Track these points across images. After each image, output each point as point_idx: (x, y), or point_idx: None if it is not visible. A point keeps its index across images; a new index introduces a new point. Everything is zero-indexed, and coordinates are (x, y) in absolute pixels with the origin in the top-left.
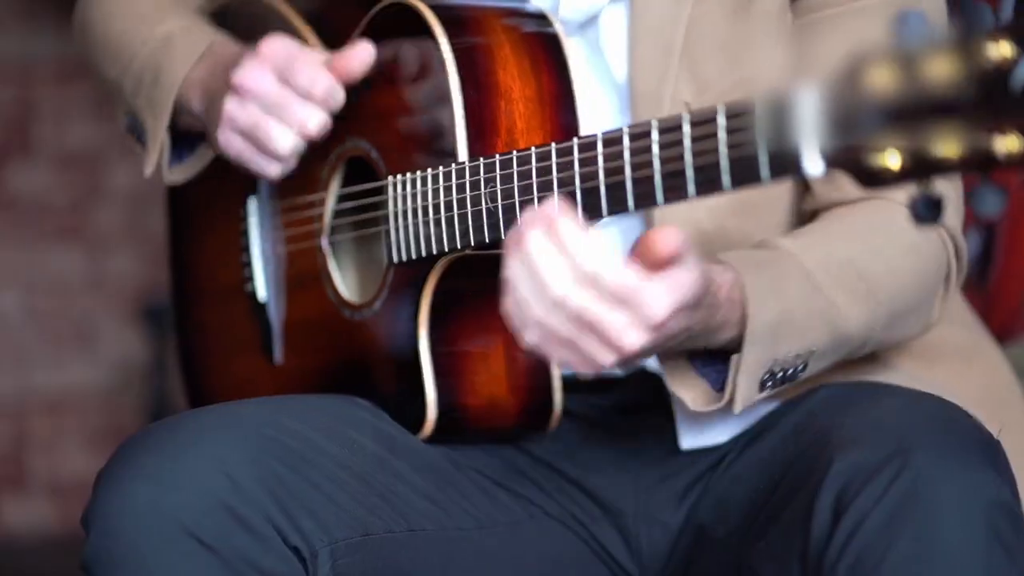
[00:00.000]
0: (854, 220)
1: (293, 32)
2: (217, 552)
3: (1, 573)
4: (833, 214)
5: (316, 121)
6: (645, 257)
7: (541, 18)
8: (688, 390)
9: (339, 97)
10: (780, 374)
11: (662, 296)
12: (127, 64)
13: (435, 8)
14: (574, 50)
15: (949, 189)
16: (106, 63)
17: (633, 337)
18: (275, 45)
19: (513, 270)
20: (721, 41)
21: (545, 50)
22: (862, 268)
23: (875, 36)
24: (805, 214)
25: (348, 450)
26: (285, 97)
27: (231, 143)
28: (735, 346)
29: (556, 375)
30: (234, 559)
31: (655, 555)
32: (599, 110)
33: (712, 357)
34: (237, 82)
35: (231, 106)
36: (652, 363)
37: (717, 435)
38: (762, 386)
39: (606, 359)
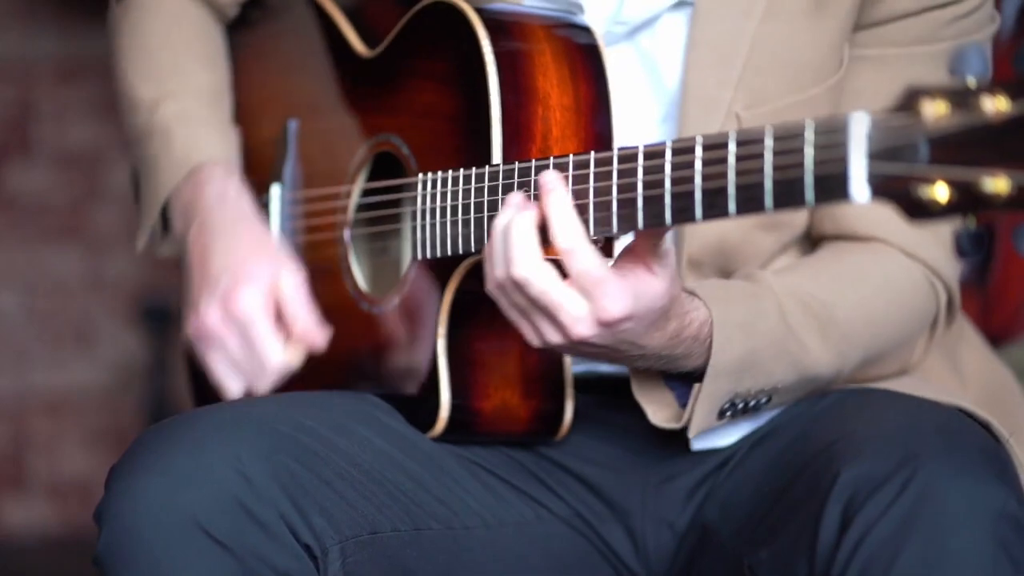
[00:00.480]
0: (844, 266)
1: (329, 23)
2: (230, 549)
3: (0, 573)
4: (827, 254)
5: (265, 388)
6: (632, 253)
7: (583, 29)
8: (650, 402)
9: (296, 364)
10: (741, 405)
11: (622, 295)
12: (137, 133)
13: (478, 11)
14: (622, 54)
15: (951, 237)
16: (122, 109)
17: (582, 328)
18: (244, 300)
19: (496, 231)
20: (784, 60)
21: (584, 59)
22: (842, 315)
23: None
24: (812, 238)
25: (359, 448)
26: (242, 360)
27: (191, 352)
28: (699, 375)
29: (569, 383)
30: (247, 556)
31: (661, 555)
32: (642, 116)
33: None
34: (203, 323)
35: (197, 338)
36: None
37: (727, 436)
38: (721, 414)
39: (553, 338)
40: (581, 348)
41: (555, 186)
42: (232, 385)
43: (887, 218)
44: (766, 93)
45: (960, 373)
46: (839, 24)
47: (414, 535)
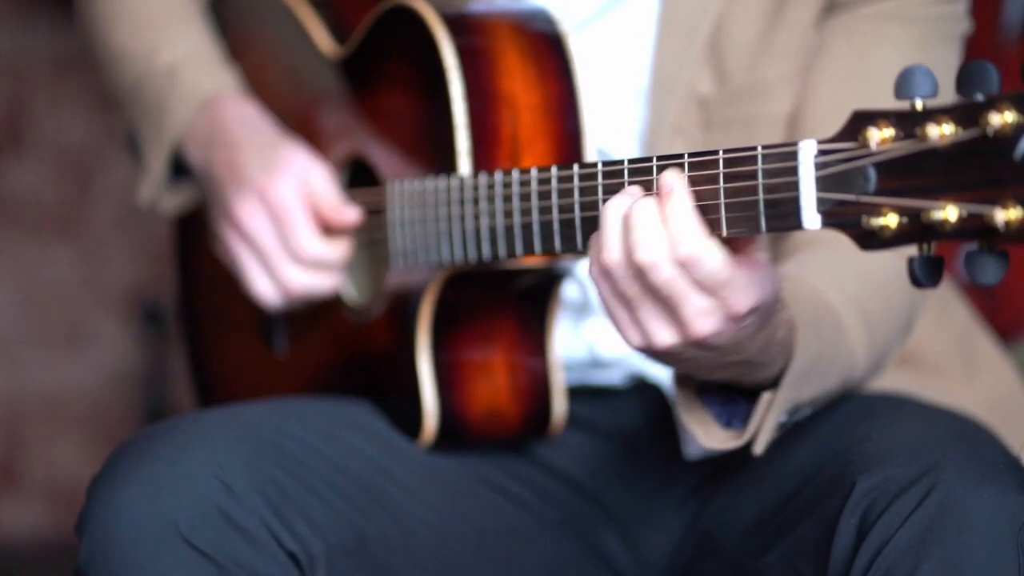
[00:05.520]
0: (863, 263)
1: (296, 25)
2: (211, 557)
3: None
4: (832, 251)
5: (300, 284)
6: (728, 243)
7: (548, 22)
8: (699, 425)
9: (331, 258)
10: (793, 416)
11: (750, 286)
12: (131, 84)
13: (439, 12)
14: (595, 35)
15: None
16: (109, 71)
17: (708, 324)
18: (278, 189)
19: (609, 215)
20: (749, 40)
21: (551, 57)
22: (871, 313)
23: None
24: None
25: (344, 454)
26: (277, 253)
27: (224, 261)
28: (762, 386)
29: (557, 384)
30: (230, 564)
31: (657, 561)
32: (617, 97)
33: (717, 391)
34: (236, 218)
35: (229, 237)
36: (653, 374)
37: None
38: (780, 427)
39: (663, 337)
40: (687, 352)
41: (676, 188)
42: (264, 288)
43: None
44: (726, 73)
45: (973, 365)
46: (807, 8)
47: (402, 541)
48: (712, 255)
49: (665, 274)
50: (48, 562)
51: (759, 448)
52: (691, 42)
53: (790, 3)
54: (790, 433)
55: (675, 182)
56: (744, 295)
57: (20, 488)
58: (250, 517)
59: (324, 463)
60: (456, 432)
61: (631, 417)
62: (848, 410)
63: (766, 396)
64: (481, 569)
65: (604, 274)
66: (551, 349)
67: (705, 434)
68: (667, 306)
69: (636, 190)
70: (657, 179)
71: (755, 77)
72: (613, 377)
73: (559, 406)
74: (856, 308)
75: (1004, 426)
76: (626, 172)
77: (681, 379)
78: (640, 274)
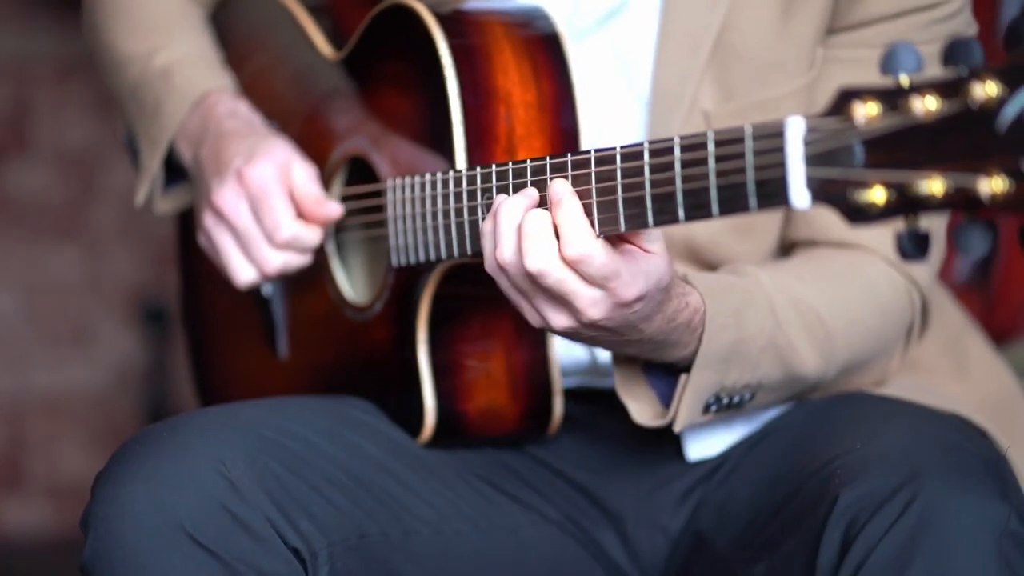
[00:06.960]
0: (827, 268)
1: (296, 28)
2: (216, 553)
3: None
4: (808, 256)
5: (275, 265)
6: (620, 236)
7: (543, 20)
8: (635, 400)
9: (306, 240)
10: (726, 400)
11: (635, 278)
12: (130, 85)
13: (435, 11)
14: (594, 47)
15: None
16: (110, 73)
17: (598, 311)
18: (257, 172)
19: (503, 217)
20: (753, 56)
21: (546, 54)
22: (826, 316)
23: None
24: (785, 244)
25: (346, 452)
26: (253, 233)
27: (206, 248)
28: (686, 365)
29: (556, 380)
30: (233, 561)
31: (655, 559)
32: (616, 110)
33: (664, 370)
34: (214, 202)
35: (209, 221)
36: None
37: (720, 444)
38: (706, 409)
39: (559, 321)
40: (585, 332)
41: (564, 197)
42: (241, 269)
43: None
44: (732, 89)
45: (965, 367)
46: (810, 24)
47: (403, 539)
48: (599, 253)
49: (553, 278)
50: (53, 559)
51: (677, 426)
52: (694, 56)
53: (795, 20)
54: (783, 433)
55: (563, 192)
56: (630, 286)
57: (24, 486)
58: (254, 514)
59: (326, 461)
60: (455, 428)
61: (630, 417)
62: (835, 413)
63: (682, 378)
64: (481, 567)
65: (500, 270)
66: (550, 347)
67: (638, 412)
68: (561, 300)
69: (532, 192)
70: (548, 189)
71: (764, 95)
72: (614, 383)
73: (558, 405)
74: (794, 306)
75: (997, 426)
76: (618, 158)
77: (623, 357)
78: (532, 277)
